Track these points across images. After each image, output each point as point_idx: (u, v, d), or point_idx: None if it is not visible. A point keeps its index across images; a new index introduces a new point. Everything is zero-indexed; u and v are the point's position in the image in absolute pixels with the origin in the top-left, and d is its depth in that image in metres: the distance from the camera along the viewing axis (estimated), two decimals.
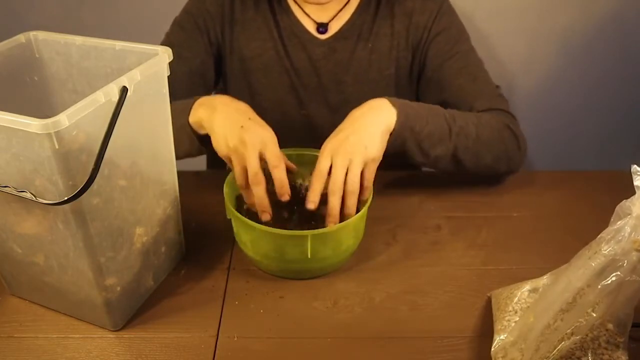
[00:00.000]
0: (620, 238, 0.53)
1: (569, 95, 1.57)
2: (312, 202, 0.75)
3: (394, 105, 0.80)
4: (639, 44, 1.49)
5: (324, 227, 0.75)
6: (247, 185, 0.74)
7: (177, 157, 0.74)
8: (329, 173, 0.75)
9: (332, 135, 0.78)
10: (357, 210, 0.76)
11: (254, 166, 0.72)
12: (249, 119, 0.76)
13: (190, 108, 0.80)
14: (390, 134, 0.79)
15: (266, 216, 0.75)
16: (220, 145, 0.75)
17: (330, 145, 0.76)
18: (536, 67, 1.52)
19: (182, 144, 0.80)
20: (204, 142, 0.81)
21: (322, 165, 0.75)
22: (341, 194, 0.74)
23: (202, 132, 0.80)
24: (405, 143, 0.82)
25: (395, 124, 0.79)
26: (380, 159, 0.77)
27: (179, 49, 0.95)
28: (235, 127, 0.74)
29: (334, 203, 0.74)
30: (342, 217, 0.75)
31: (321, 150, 0.77)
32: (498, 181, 0.96)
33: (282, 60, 1.00)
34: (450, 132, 0.84)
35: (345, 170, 0.74)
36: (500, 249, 0.82)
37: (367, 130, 0.77)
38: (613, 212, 0.55)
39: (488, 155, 0.88)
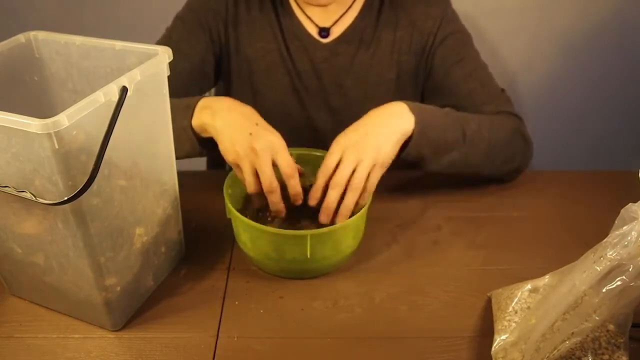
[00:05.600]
0: (626, 243, 0.53)
1: (569, 95, 1.57)
2: (314, 199, 0.75)
3: (412, 111, 0.79)
4: (639, 44, 1.49)
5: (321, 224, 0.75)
6: (258, 189, 0.74)
7: (178, 158, 0.73)
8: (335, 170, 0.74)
9: (346, 131, 0.77)
10: (353, 214, 0.75)
11: (269, 175, 0.72)
12: (257, 124, 0.75)
13: (193, 111, 0.80)
14: (407, 142, 0.79)
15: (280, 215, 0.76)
16: (229, 152, 0.74)
17: (343, 141, 0.76)
18: (536, 67, 1.52)
19: (183, 146, 0.80)
20: (205, 145, 0.81)
21: (331, 160, 0.74)
22: (342, 190, 0.74)
23: (204, 135, 0.80)
24: (421, 150, 0.81)
25: (413, 132, 0.79)
26: (389, 165, 0.77)
27: (180, 45, 0.95)
28: (244, 134, 0.73)
29: (333, 197, 0.73)
30: (335, 215, 0.75)
31: (332, 144, 0.76)
32: (503, 180, 0.96)
33: (284, 62, 1.00)
34: (465, 137, 0.84)
35: (352, 168, 0.73)
36: (500, 249, 0.82)
37: (383, 134, 0.76)
38: (613, 212, 0.55)
39: (499, 158, 0.89)
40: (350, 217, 0.75)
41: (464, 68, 0.97)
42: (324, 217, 0.75)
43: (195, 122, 0.79)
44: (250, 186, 0.74)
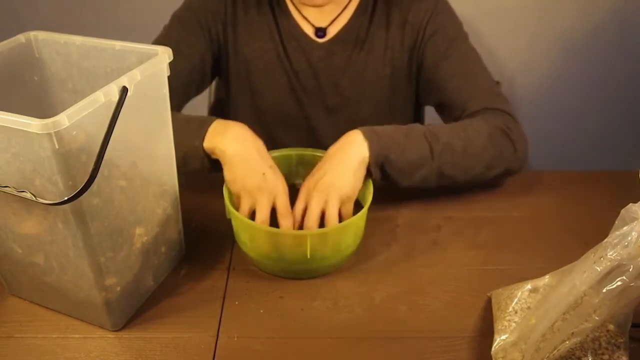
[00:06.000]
0: (626, 243, 0.53)
1: (569, 95, 1.57)
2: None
3: (366, 137, 0.80)
4: (639, 44, 1.49)
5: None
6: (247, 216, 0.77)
7: (180, 172, 0.75)
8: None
9: (309, 175, 0.80)
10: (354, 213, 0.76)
11: (263, 215, 0.75)
12: (270, 167, 0.78)
13: (205, 132, 0.81)
14: (368, 165, 0.80)
15: None
16: (237, 183, 0.77)
17: (307, 185, 0.79)
18: (536, 67, 1.52)
19: (191, 164, 0.82)
20: (214, 166, 0.82)
21: (298, 207, 0.78)
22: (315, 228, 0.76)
23: (212, 157, 0.81)
24: (385, 171, 0.82)
25: (369, 157, 0.79)
26: (355, 195, 0.79)
27: (179, 45, 0.95)
28: (257, 173, 0.77)
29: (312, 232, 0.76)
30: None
31: (300, 192, 0.79)
32: (496, 184, 0.95)
33: (282, 62, 1.00)
34: (432, 152, 0.83)
35: (319, 210, 0.76)
36: (500, 249, 0.82)
37: (339, 169, 0.78)
38: (613, 212, 0.55)
39: (478, 165, 0.87)
40: (355, 212, 0.76)
41: (453, 63, 0.96)
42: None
43: (207, 144, 0.80)
44: (244, 214, 0.77)
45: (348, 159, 0.79)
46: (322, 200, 0.76)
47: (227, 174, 0.78)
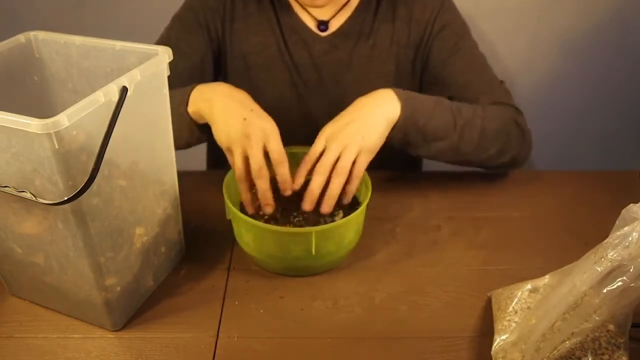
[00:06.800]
0: (627, 244, 0.53)
1: (569, 95, 1.57)
2: (296, 184, 0.76)
3: (399, 97, 0.80)
4: (639, 44, 1.49)
5: (313, 220, 0.77)
6: (246, 178, 0.75)
7: (178, 147, 0.73)
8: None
9: (332, 120, 0.78)
10: (351, 207, 0.77)
11: (258, 161, 0.72)
12: (251, 110, 0.75)
13: (188, 97, 0.80)
14: (394, 127, 0.79)
15: (269, 209, 0.76)
16: (222, 137, 0.75)
17: (329, 130, 0.77)
18: (536, 67, 1.52)
19: (182, 134, 0.81)
20: (204, 131, 0.81)
21: (315, 148, 0.75)
22: (326, 176, 0.74)
23: (201, 122, 0.80)
24: (408, 136, 0.82)
25: (399, 117, 0.79)
26: (376, 151, 0.77)
27: (179, 45, 0.95)
28: (238, 119, 0.74)
29: (316, 184, 0.74)
30: (321, 200, 0.75)
31: (319, 134, 0.77)
32: (501, 175, 0.96)
33: (283, 56, 1.00)
34: (455, 124, 0.84)
35: (337, 155, 0.74)
36: (500, 249, 0.82)
37: (368, 121, 0.77)
38: (613, 212, 0.55)
39: (492, 148, 0.88)
40: (348, 212, 0.76)
41: (461, 59, 0.97)
42: (307, 205, 0.75)
43: (191, 108, 0.80)
44: (239, 171, 0.74)
45: (377, 114, 0.77)
46: (342, 146, 0.74)
47: (214, 132, 0.77)
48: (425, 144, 0.84)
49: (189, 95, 0.80)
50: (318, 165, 0.74)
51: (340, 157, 0.74)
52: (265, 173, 0.73)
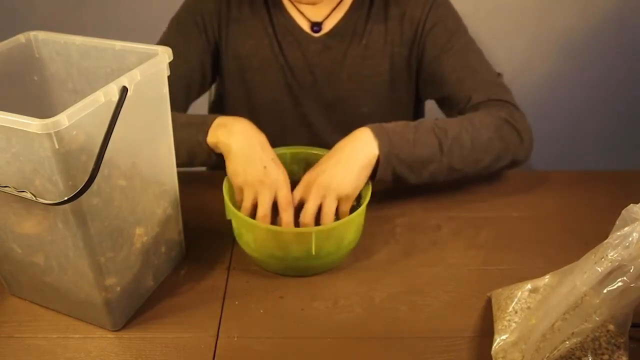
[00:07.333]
0: (627, 244, 0.53)
1: (569, 95, 1.57)
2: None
3: (375, 135, 0.80)
4: (639, 44, 1.49)
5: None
6: (251, 215, 0.77)
7: (190, 166, 0.76)
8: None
9: (312, 167, 0.80)
10: (352, 210, 0.78)
11: (265, 208, 0.75)
12: (272, 159, 0.78)
13: (209, 127, 0.82)
14: (378, 165, 0.80)
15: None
16: (238, 176, 0.78)
17: (307, 178, 0.79)
18: (536, 67, 1.52)
19: (198, 158, 0.84)
20: (221, 160, 0.83)
21: (295, 196, 0.78)
22: (313, 222, 0.76)
23: (216, 152, 0.83)
24: (394, 170, 0.81)
25: (379, 156, 0.79)
26: (355, 195, 0.78)
27: (178, 48, 0.94)
28: (258, 166, 0.77)
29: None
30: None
31: (299, 183, 0.79)
32: (501, 175, 0.95)
33: (277, 58, 1.00)
34: (442, 147, 0.83)
35: (317, 205, 0.76)
36: (500, 249, 0.82)
37: (343, 167, 0.78)
38: (613, 212, 0.55)
39: (487, 158, 0.87)
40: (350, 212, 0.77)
41: (454, 56, 0.96)
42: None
43: (211, 139, 0.82)
44: (245, 211, 0.77)
45: (355, 158, 0.78)
46: (320, 196, 0.76)
47: (230, 167, 0.79)
48: (415, 173, 0.83)
49: (209, 125, 0.82)
50: (302, 217, 0.76)
51: (322, 207, 0.76)
52: (268, 220, 0.76)
